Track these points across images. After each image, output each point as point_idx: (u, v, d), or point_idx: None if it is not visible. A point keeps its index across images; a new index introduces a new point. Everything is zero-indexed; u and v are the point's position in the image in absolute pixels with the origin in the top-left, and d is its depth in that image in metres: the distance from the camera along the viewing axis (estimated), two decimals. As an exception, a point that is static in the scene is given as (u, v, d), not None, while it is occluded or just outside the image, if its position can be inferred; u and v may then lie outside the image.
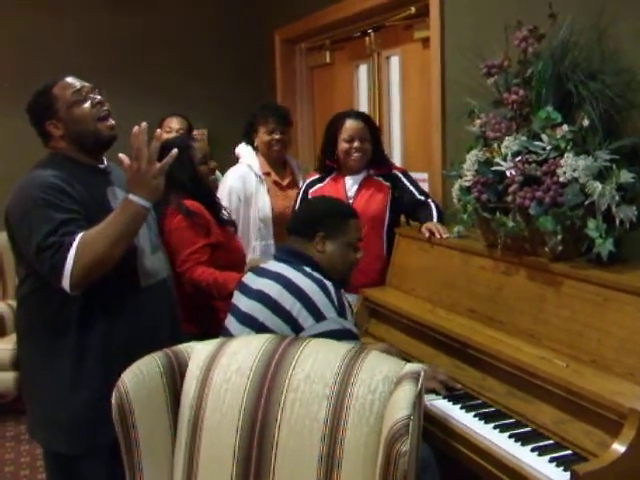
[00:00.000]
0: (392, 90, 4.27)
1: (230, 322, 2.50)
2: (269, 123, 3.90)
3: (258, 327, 2.37)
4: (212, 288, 2.94)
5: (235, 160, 4.01)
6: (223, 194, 3.75)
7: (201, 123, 5.41)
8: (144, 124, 2.27)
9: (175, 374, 2.12)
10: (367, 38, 4.40)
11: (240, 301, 2.50)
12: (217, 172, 3.59)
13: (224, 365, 2.06)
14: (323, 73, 5.09)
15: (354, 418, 1.85)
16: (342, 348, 2.02)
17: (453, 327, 2.65)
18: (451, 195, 2.82)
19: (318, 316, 2.33)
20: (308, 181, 3.62)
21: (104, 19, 5.25)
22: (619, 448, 1.84)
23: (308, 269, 2.43)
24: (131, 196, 2.25)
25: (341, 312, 2.36)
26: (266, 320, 2.36)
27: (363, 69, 4.60)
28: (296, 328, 2.33)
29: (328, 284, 2.39)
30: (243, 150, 4.01)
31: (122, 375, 2.04)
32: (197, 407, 2.05)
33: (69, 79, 2.45)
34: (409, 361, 2.72)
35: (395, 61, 4.21)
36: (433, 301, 2.94)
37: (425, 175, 3.89)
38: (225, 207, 3.34)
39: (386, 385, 1.87)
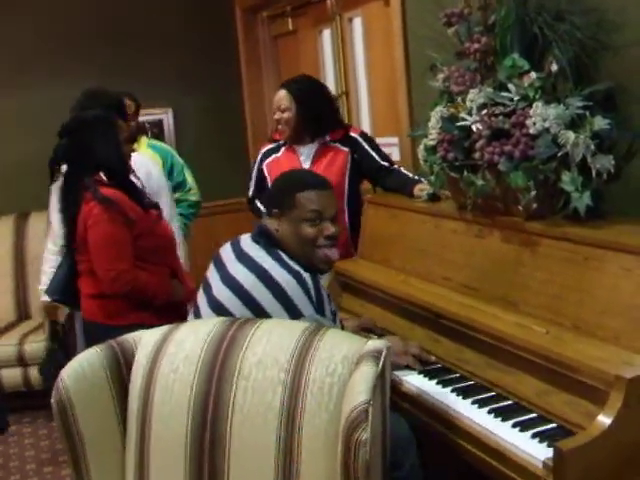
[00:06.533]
0: (356, 53, 4.08)
1: (201, 301, 2.31)
2: None
3: (225, 316, 2.17)
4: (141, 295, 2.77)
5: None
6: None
7: (164, 101, 5.21)
8: None
9: (121, 366, 1.95)
10: (328, 1, 4.20)
11: (213, 279, 2.31)
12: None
13: (171, 354, 1.89)
14: (287, 42, 4.90)
15: (312, 404, 1.68)
16: (297, 328, 1.84)
17: (426, 297, 2.48)
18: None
19: (294, 313, 2.14)
20: (263, 151, 3.45)
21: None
22: (605, 420, 1.67)
23: (284, 256, 2.24)
24: None
25: (319, 307, 2.19)
26: (235, 310, 2.18)
27: (327, 34, 4.42)
28: None
29: (305, 276, 2.20)
30: None
31: (61, 372, 1.87)
32: (145, 400, 1.88)
33: None
34: (380, 336, 2.61)
35: (358, 22, 4.03)
36: (406, 271, 2.77)
37: (396, 139, 3.71)
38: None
39: (345, 366, 1.69)
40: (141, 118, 4.48)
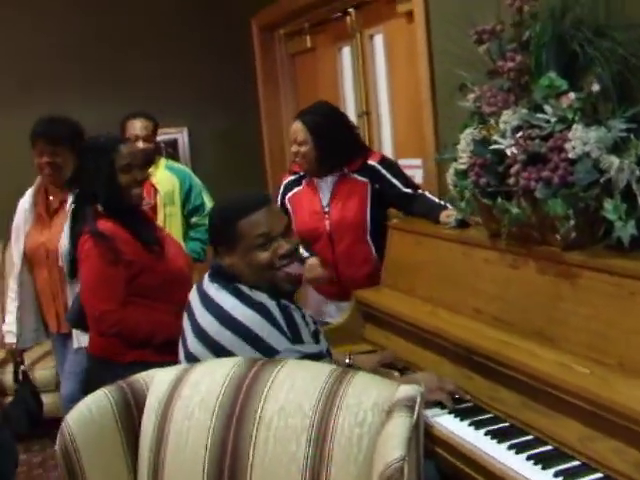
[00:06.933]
0: (378, 72, 3.95)
1: (181, 353, 2.17)
2: None
3: None
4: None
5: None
6: None
7: (181, 120, 5.11)
8: None
9: (131, 410, 1.82)
10: (348, 17, 4.08)
11: (187, 330, 2.16)
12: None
13: (186, 397, 1.75)
14: (305, 59, 4.78)
15: (339, 456, 1.54)
16: (323, 371, 1.70)
17: (456, 330, 2.33)
18: (447, 181, 2.49)
19: (268, 352, 1.98)
20: (284, 183, 3.32)
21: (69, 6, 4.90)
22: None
23: (244, 288, 2.08)
24: None
25: (295, 337, 2.03)
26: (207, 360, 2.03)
27: (346, 51, 4.30)
28: None
29: (271, 307, 2.04)
30: None
31: (66, 416, 1.74)
32: (157, 449, 1.74)
33: None
34: (402, 372, 2.46)
35: (379, 40, 3.90)
36: (434, 301, 2.62)
37: (419, 161, 3.58)
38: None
39: (376, 414, 1.55)
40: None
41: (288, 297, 2.15)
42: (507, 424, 2.05)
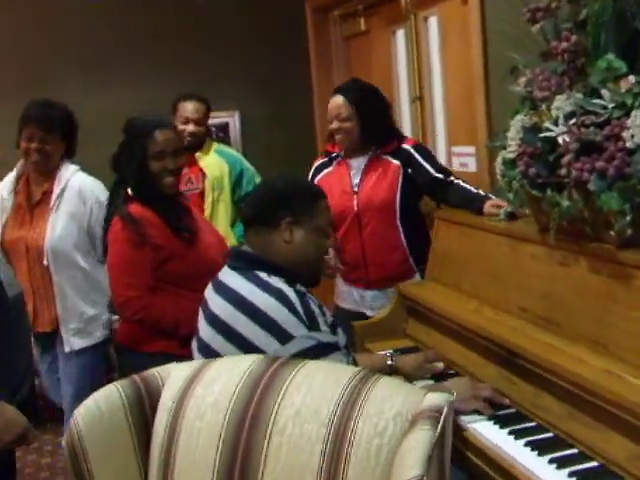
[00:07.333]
0: (432, 55, 3.78)
1: (193, 346, 2.11)
2: None
3: (214, 356, 1.95)
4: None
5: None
6: None
7: (232, 104, 5.01)
8: None
9: (144, 406, 1.73)
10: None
11: (200, 322, 2.09)
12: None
13: (199, 397, 1.65)
14: (359, 42, 4.63)
15: (356, 469, 1.42)
16: (344, 374, 1.57)
17: (499, 331, 2.19)
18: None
19: (283, 337, 1.89)
20: (315, 165, 3.25)
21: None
22: None
23: (263, 275, 1.99)
24: None
25: (312, 324, 1.92)
26: (220, 348, 1.95)
27: (400, 34, 4.13)
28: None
29: (289, 293, 1.95)
30: None
31: (75, 412, 1.65)
32: (167, 449, 1.65)
33: None
34: (445, 375, 2.33)
35: (433, 22, 3.72)
36: (480, 297, 2.47)
37: (472, 149, 3.41)
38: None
39: (398, 424, 1.42)
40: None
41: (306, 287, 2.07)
42: (550, 434, 1.91)
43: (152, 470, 1.67)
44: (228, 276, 2.04)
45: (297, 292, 1.95)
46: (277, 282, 1.96)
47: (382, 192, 2.95)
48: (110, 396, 1.67)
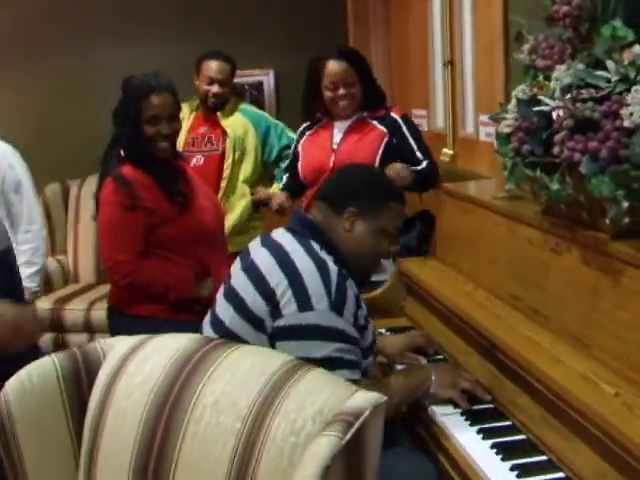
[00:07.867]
0: (464, 17, 3.53)
1: (220, 293, 2.03)
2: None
3: (237, 304, 1.90)
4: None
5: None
6: None
7: (267, 62, 4.85)
8: None
9: (81, 381, 1.63)
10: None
11: (235, 269, 2.02)
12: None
13: (130, 374, 1.55)
14: (398, 1, 4.39)
15: (268, 467, 1.29)
16: (274, 363, 1.43)
17: (485, 321, 2.03)
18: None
19: (304, 304, 1.80)
20: (299, 130, 3.16)
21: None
22: None
23: (315, 245, 1.91)
24: None
25: (337, 305, 1.81)
26: (246, 296, 1.88)
27: (438, -5, 3.88)
28: (275, 313, 1.82)
29: (332, 268, 1.86)
30: None
31: (6, 384, 1.57)
32: (95, 428, 1.55)
33: None
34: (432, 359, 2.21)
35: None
36: (476, 280, 2.32)
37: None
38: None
39: (317, 424, 1.28)
40: (240, 80, 4.17)
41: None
42: (523, 437, 1.75)
43: (83, 447, 1.58)
44: (280, 235, 1.99)
45: (340, 273, 1.87)
46: (325, 256, 1.90)
47: (362, 152, 2.86)
48: (44, 368, 1.57)
